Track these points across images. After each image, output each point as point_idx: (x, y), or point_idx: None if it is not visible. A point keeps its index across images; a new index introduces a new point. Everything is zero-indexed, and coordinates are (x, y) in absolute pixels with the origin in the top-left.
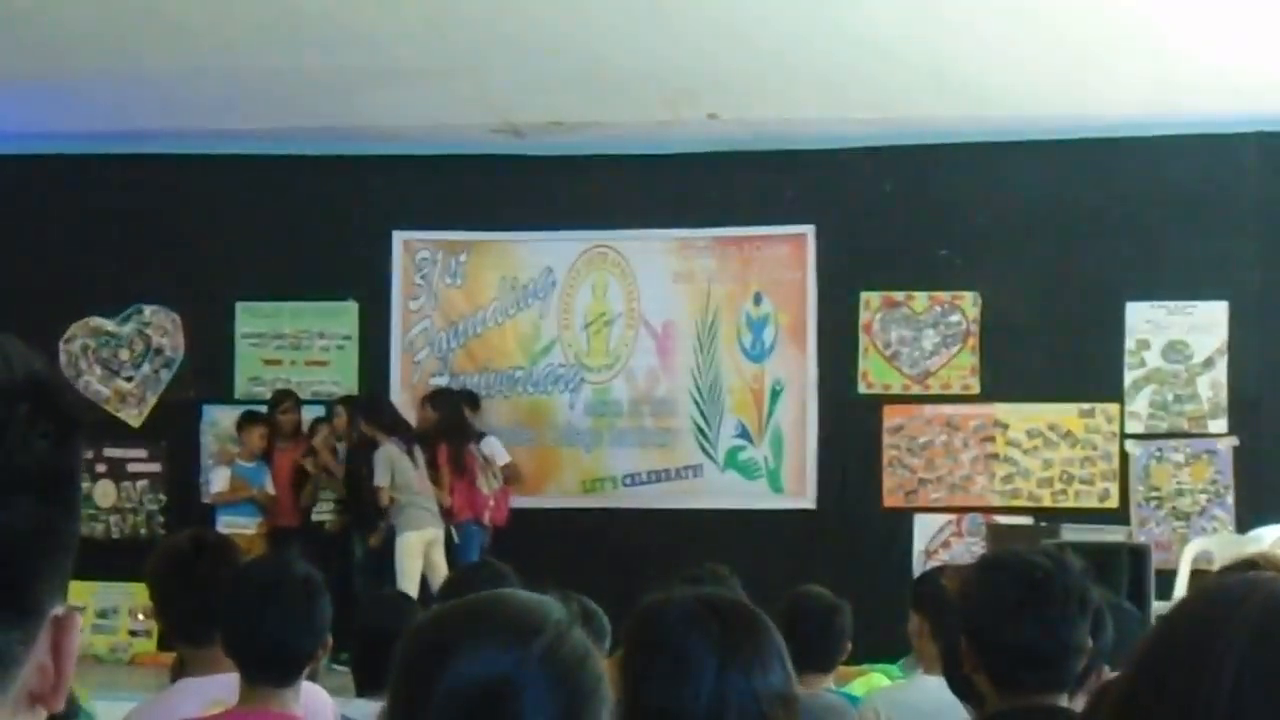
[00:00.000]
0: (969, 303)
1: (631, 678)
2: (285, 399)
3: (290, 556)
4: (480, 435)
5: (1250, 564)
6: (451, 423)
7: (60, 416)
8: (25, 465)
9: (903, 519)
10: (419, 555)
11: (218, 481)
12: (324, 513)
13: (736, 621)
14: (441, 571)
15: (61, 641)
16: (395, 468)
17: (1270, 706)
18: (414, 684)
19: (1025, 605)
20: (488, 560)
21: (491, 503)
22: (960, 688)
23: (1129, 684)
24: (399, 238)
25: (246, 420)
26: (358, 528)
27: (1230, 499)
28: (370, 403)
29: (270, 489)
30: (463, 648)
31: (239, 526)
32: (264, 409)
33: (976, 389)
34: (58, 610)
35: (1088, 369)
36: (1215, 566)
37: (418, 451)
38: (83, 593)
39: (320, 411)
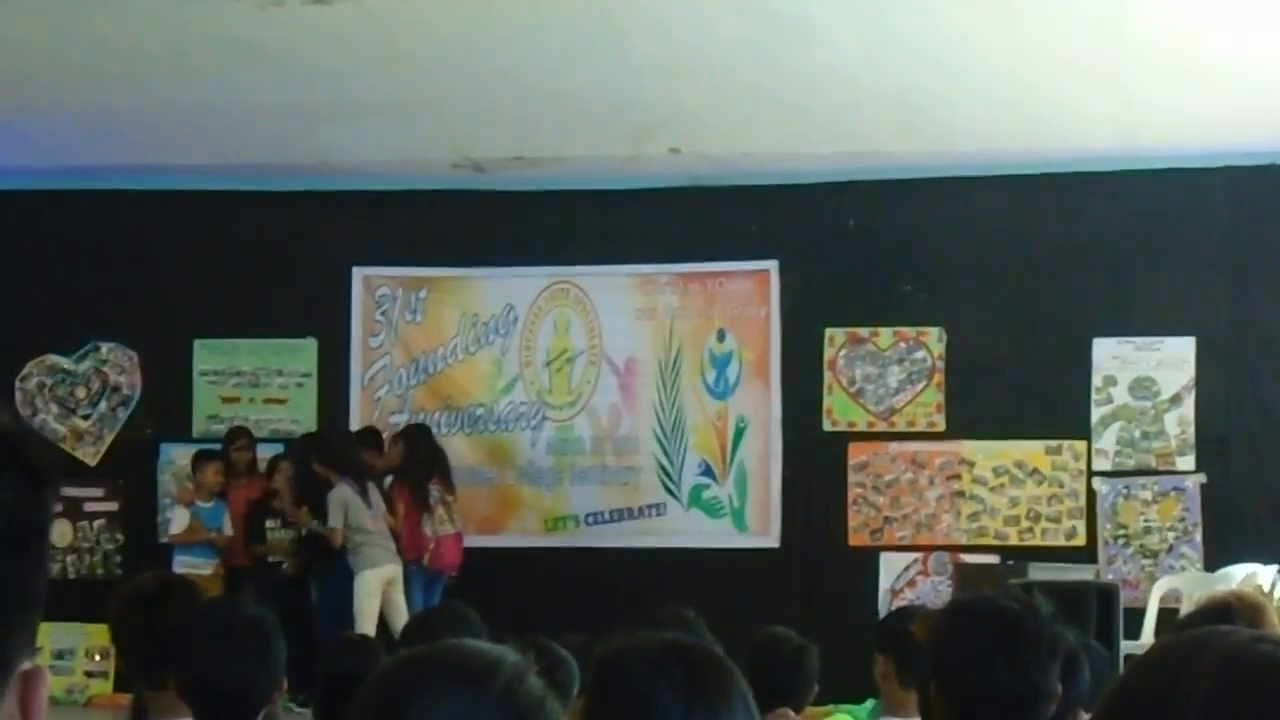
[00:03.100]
0: (934, 339)
1: None
2: (239, 436)
3: (242, 597)
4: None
5: (1224, 604)
6: (425, 456)
7: (29, 470)
8: None
9: (868, 557)
10: (377, 594)
11: (177, 522)
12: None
13: (702, 668)
14: (400, 610)
15: (30, 696)
16: (349, 509)
17: None
18: None
19: (996, 650)
20: (452, 603)
21: (433, 545)
22: None
23: None
24: (359, 274)
25: (200, 458)
26: (315, 569)
27: (1198, 537)
28: (322, 443)
29: (227, 530)
30: (419, 693)
31: (195, 567)
32: (219, 447)
33: (942, 426)
34: (25, 665)
35: (1054, 406)
36: (1183, 605)
37: (372, 490)
38: (38, 633)
39: (279, 449)
